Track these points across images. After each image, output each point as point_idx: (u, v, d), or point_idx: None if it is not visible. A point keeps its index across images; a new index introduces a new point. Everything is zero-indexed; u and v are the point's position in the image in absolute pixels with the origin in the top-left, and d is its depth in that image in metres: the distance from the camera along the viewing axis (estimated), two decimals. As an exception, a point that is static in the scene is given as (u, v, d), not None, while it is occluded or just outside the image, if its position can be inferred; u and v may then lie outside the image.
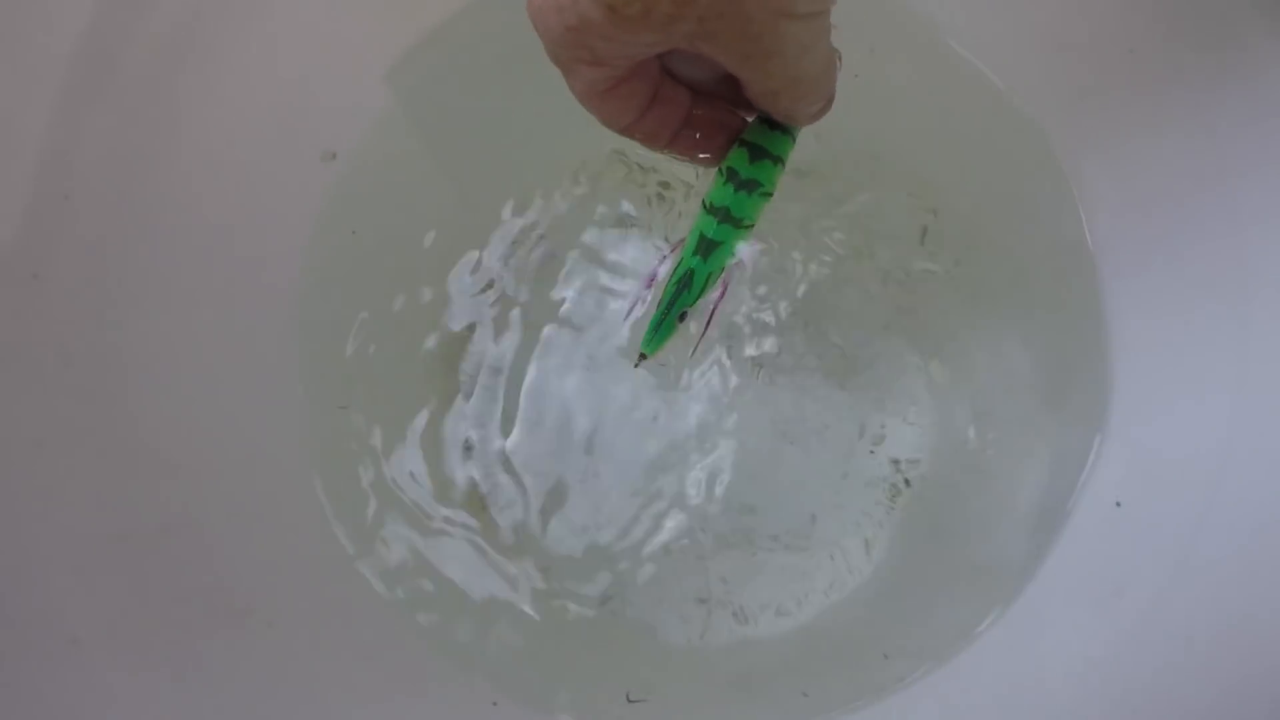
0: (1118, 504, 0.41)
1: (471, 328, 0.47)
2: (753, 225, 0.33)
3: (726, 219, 0.32)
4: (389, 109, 0.46)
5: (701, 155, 0.33)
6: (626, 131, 0.30)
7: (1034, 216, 0.47)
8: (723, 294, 0.34)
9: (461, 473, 0.46)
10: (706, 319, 0.35)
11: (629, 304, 0.46)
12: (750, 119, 0.32)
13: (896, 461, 0.46)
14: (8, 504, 0.35)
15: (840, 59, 0.30)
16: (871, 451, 0.47)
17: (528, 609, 0.45)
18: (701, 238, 0.32)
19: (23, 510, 0.35)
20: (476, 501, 0.46)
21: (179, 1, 0.40)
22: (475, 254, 0.47)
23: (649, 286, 0.36)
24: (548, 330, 0.47)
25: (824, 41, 0.27)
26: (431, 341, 0.47)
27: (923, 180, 0.48)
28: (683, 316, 0.33)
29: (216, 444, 0.41)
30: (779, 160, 0.32)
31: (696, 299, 0.33)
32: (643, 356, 0.33)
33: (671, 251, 0.34)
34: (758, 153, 0.32)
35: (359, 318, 0.46)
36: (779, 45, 0.26)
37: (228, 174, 0.43)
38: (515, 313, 0.47)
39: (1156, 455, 0.41)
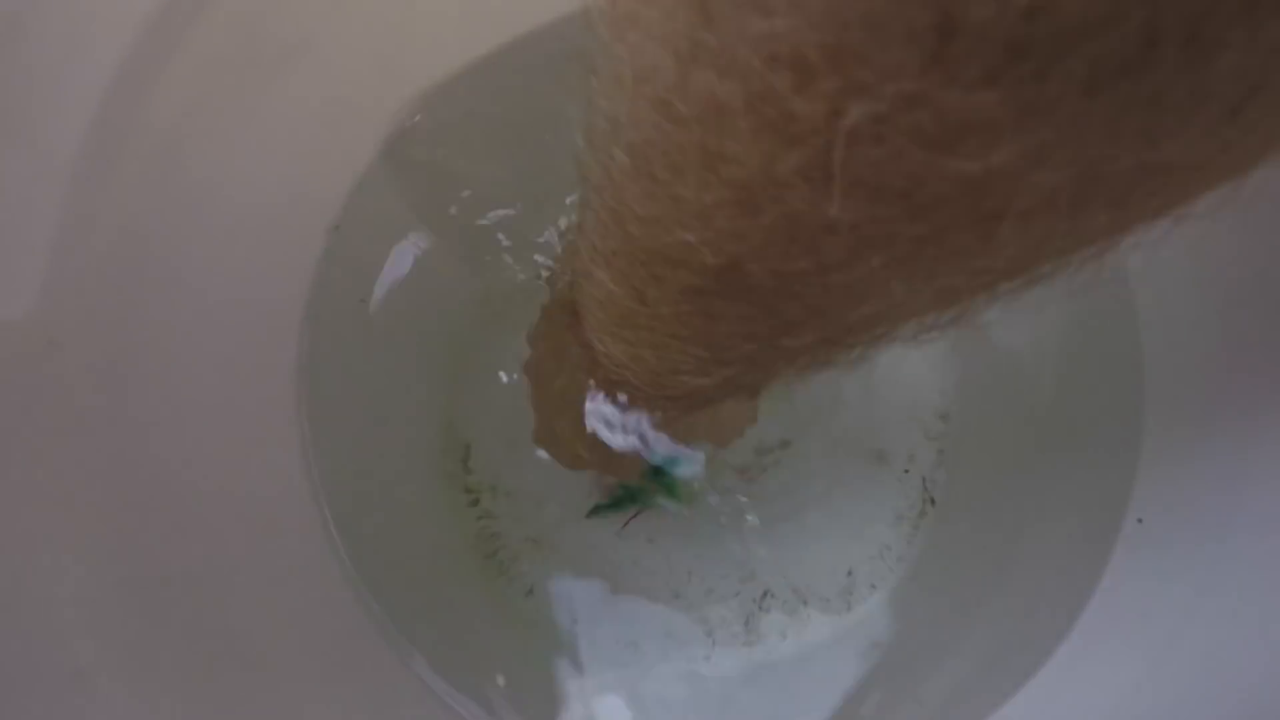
0: (1139, 520, 0.39)
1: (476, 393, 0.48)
2: None
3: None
4: (387, 178, 0.47)
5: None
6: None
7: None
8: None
9: (472, 524, 0.47)
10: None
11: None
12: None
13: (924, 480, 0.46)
14: (22, 550, 0.36)
15: None
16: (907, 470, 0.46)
17: (539, 659, 0.45)
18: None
19: (36, 556, 0.36)
20: (489, 554, 0.46)
21: (185, 80, 0.42)
22: (477, 326, 0.49)
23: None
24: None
25: None
26: (435, 407, 0.48)
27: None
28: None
29: (226, 501, 0.42)
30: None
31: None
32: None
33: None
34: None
35: (361, 384, 0.47)
36: None
37: (233, 246, 0.44)
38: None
39: (1179, 468, 0.40)
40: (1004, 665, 0.41)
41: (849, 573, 0.45)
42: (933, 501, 0.46)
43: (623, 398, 0.38)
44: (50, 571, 0.36)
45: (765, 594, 0.45)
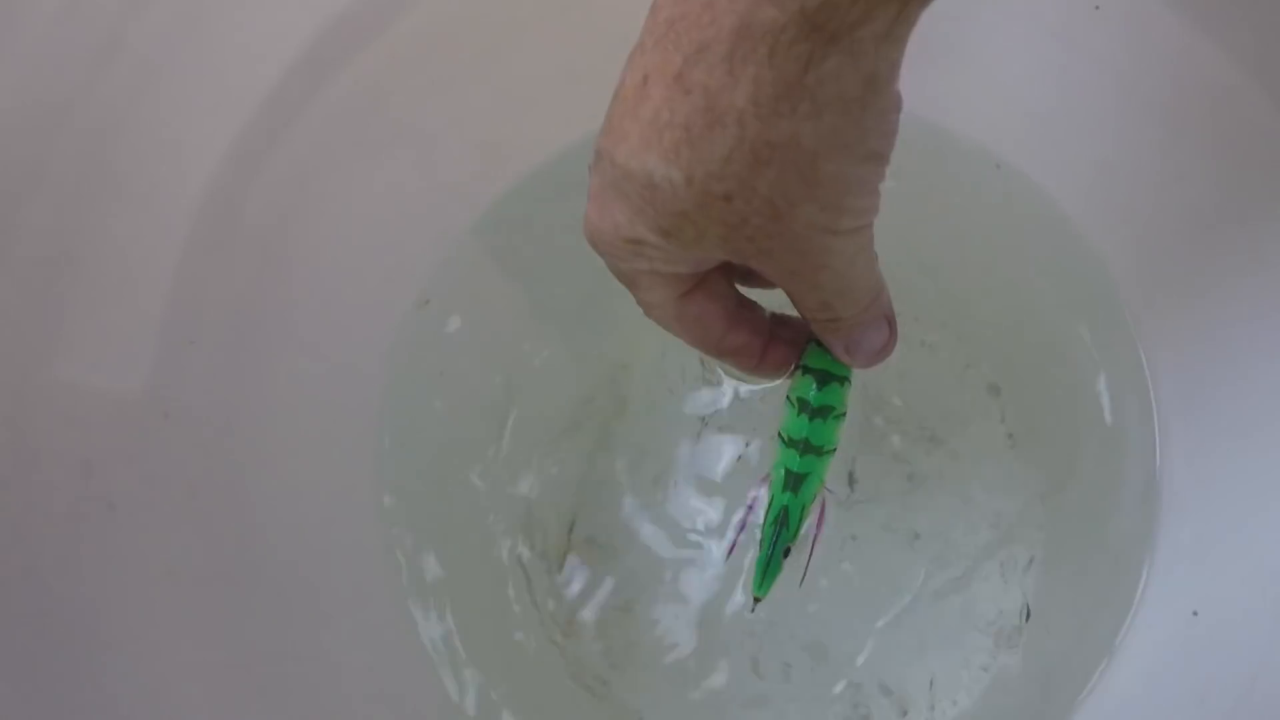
0: (1195, 613, 0.42)
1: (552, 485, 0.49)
2: (835, 449, 0.33)
3: (808, 450, 0.33)
4: (479, 259, 0.49)
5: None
6: (716, 352, 0.32)
7: (1086, 341, 0.49)
8: (820, 520, 0.34)
9: (554, 601, 0.48)
10: (810, 548, 0.34)
11: (726, 547, 0.46)
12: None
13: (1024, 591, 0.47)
14: (143, 629, 0.37)
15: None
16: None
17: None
18: (787, 472, 0.33)
19: (156, 635, 0.37)
20: (569, 626, 0.48)
21: (291, 159, 0.44)
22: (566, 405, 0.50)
23: (742, 528, 0.37)
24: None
25: (868, 252, 0.29)
26: (517, 487, 0.49)
27: (974, 309, 0.51)
28: (786, 552, 0.33)
29: (326, 577, 0.43)
30: (845, 379, 0.33)
31: (796, 533, 0.33)
32: (756, 600, 0.33)
33: (761, 486, 0.34)
34: (824, 377, 0.32)
35: (446, 458, 0.49)
36: (826, 259, 0.27)
37: (332, 318, 0.46)
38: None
39: (1229, 564, 0.43)
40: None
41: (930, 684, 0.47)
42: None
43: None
44: (170, 648, 0.38)
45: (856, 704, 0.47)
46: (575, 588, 0.48)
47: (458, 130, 0.47)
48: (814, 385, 0.32)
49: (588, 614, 0.48)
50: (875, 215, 0.27)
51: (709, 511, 0.48)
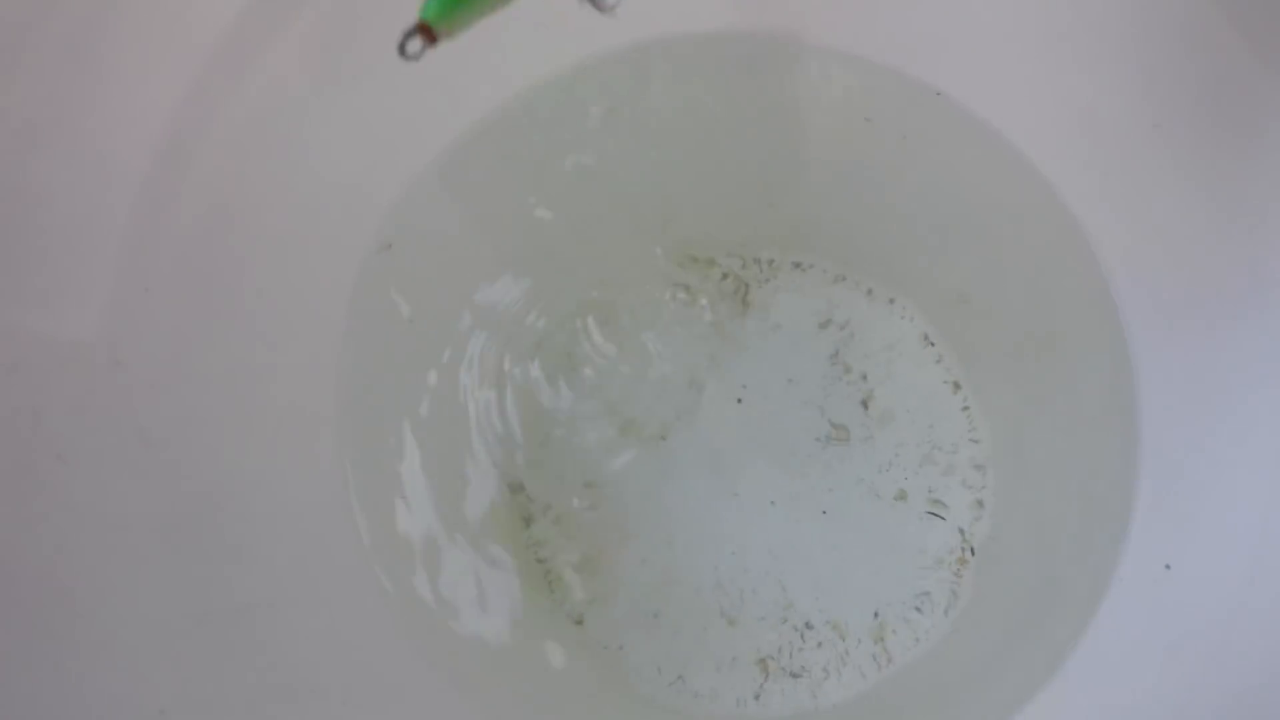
0: (1167, 567, 0.42)
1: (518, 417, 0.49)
2: None
3: None
4: (441, 200, 0.48)
5: None
6: None
7: (1060, 292, 0.48)
8: None
9: (518, 550, 0.48)
10: None
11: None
12: None
13: (962, 531, 0.47)
14: (97, 584, 0.36)
15: None
16: (937, 515, 0.48)
17: (585, 697, 0.46)
18: None
19: (110, 589, 0.37)
20: (537, 579, 0.47)
21: (250, 100, 0.42)
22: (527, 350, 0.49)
23: None
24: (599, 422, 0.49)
25: None
26: (481, 433, 0.49)
27: (951, 261, 0.50)
28: None
29: (283, 529, 0.43)
30: None
31: None
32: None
33: None
34: None
35: (408, 403, 0.48)
36: None
37: (291, 262, 0.45)
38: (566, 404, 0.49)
39: (1203, 519, 0.42)
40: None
41: (876, 614, 0.48)
42: (973, 551, 0.48)
43: None
44: (123, 602, 0.37)
45: (807, 624, 0.47)
46: (545, 524, 0.48)
47: (419, 68, 0.45)
48: None
49: (560, 531, 0.47)
50: None
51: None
